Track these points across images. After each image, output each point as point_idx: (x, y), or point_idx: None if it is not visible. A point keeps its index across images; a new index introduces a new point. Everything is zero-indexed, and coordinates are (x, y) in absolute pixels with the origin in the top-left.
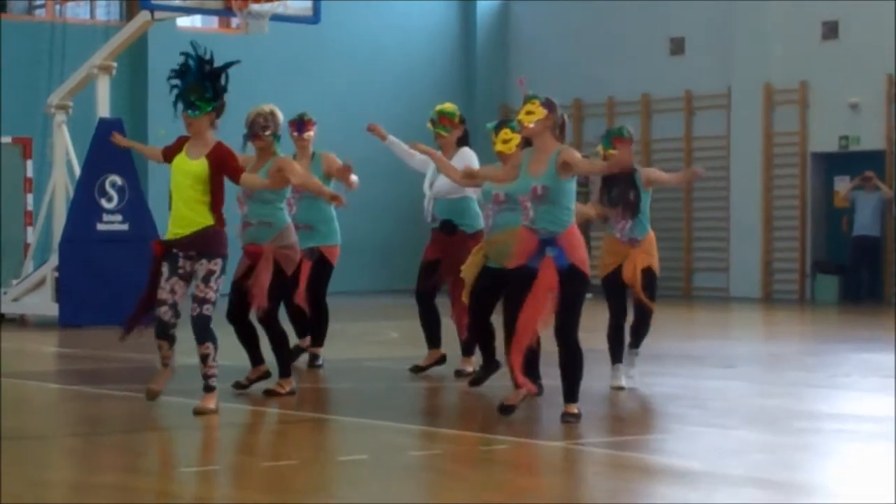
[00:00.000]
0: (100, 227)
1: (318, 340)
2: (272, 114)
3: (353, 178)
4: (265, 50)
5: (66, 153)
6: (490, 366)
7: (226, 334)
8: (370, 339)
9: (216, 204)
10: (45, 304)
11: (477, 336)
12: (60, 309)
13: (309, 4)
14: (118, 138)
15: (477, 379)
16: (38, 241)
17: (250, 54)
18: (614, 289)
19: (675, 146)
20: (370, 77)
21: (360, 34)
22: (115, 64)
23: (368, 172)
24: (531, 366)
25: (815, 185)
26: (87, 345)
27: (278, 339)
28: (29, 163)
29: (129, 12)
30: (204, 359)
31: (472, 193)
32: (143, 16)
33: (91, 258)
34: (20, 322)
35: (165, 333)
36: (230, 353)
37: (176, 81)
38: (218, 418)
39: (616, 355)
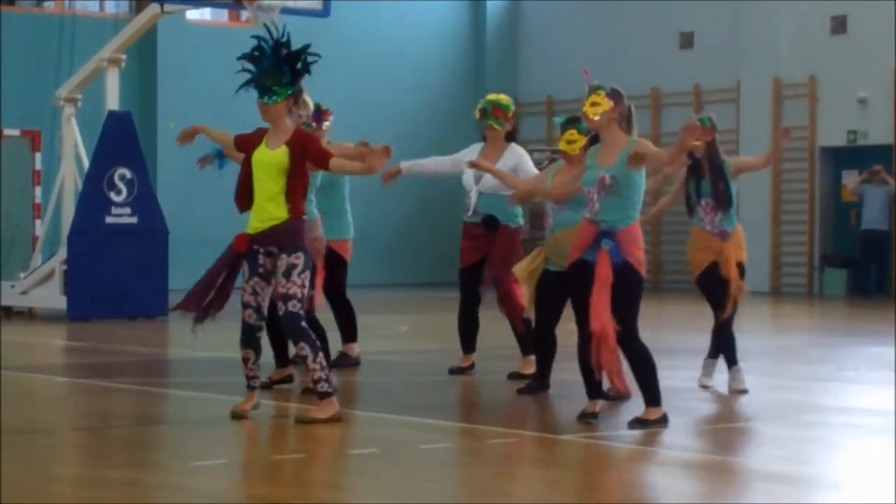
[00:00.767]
0: (108, 220)
1: (351, 338)
2: (303, 102)
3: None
4: None
5: (75, 146)
6: (543, 381)
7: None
8: (379, 332)
9: (294, 195)
10: (53, 297)
11: (538, 346)
12: (69, 302)
13: None
14: (185, 135)
15: (528, 389)
16: (46, 234)
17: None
18: (711, 286)
19: None
20: (379, 72)
21: (369, 29)
22: (124, 57)
23: None
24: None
25: (823, 180)
26: (96, 338)
27: (319, 335)
28: (38, 155)
29: (138, 5)
30: (303, 360)
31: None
32: (153, 8)
33: (99, 251)
34: (28, 315)
35: (251, 339)
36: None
37: (249, 66)
38: (226, 412)
39: (730, 357)
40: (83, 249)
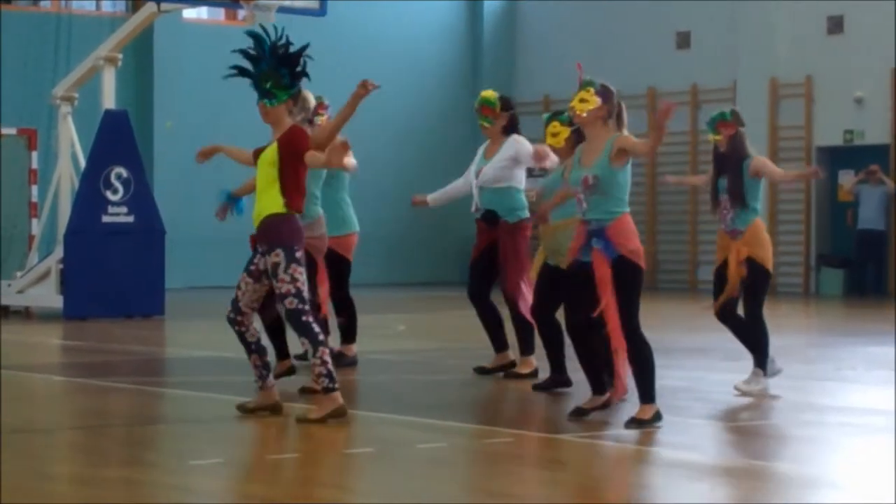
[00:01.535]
0: (105, 218)
1: (350, 338)
2: (303, 99)
3: (350, 160)
4: None
5: (72, 145)
6: (558, 378)
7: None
8: (378, 332)
9: (287, 191)
10: (49, 296)
11: (543, 341)
12: (65, 301)
13: None
14: (204, 153)
15: (543, 385)
16: (42, 233)
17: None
18: (719, 282)
19: (681, 139)
20: (377, 71)
21: (366, 28)
22: (120, 55)
23: (376, 166)
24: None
25: (819, 179)
26: (92, 337)
27: (273, 331)
28: (34, 154)
29: (134, 3)
30: (305, 355)
31: (519, 183)
32: (149, 7)
33: (96, 250)
34: (25, 314)
35: (235, 331)
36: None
37: (247, 64)
38: (223, 412)
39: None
40: (80, 248)
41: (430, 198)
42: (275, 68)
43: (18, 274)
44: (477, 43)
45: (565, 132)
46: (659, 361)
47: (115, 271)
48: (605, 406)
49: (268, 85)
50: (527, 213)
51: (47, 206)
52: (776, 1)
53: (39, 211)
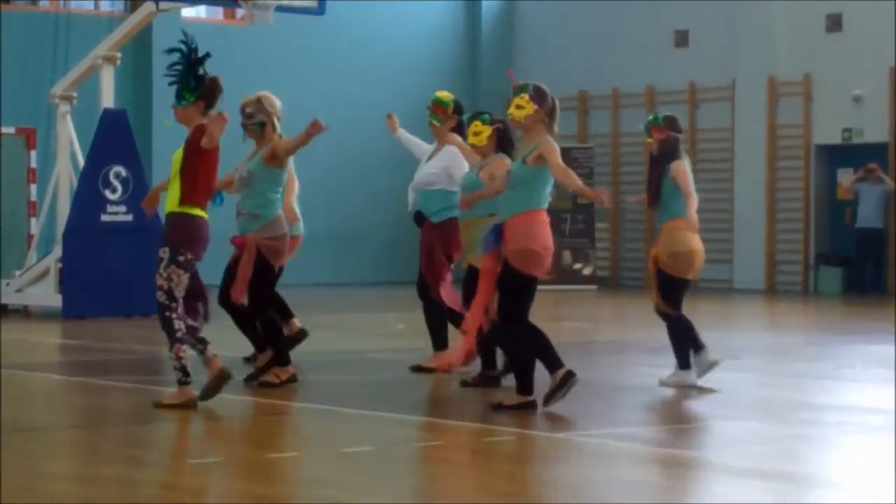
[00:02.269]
0: (104, 217)
1: (288, 315)
2: (258, 101)
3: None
4: (270, 41)
5: (70, 144)
6: (489, 375)
7: (225, 325)
8: (375, 330)
9: (184, 187)
10: (48, 295)
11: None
12: (64, 300)
13: None
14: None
15: (472, 383)
16: (41, 232)
17: (255, 45)
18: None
19: (682, 137)
20: (374, 69)
21: (365, 27)
22: (119, 54)
23: (374, 164)
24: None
25: (818, 178)
26: (91, 336)
27: (270, 329)
28: (33, 153)
29: (133, 3)
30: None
31: (451, 185)
32: (148, 6)
33: (95, 249)
34: (24, 313)
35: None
36: (229, 344)
37: (174, 70)
38: (223, 410)
39: (695, 344)
40: (78, 247)
41: (400, 131)
42: (186, 72)
43: (17, 273)
44: (475, 42)
45: (487, 131)
46: (654, 360)
47: (113, 270)
48: (528, 406)
49: (180, 87)
50: (454, 213)
51: (46, 205)
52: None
53: (38, 210)
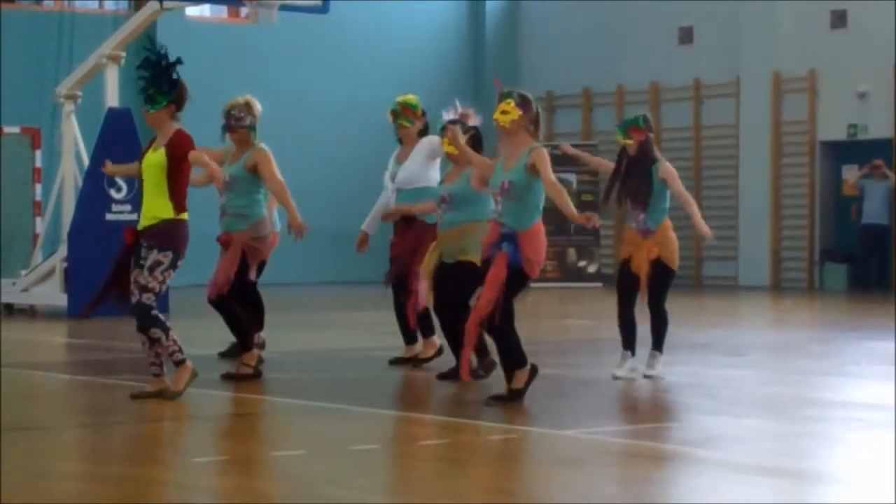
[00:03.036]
0: (109, 217)
1: (258, 326)
2: (247, 105)
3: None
4: (274, 40)
5: (75, 143)
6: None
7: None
8: (379, 328)
9: (175, 195)
10: (54, 295)
11: (448, 335)
12: (69, 299)
13: None
14: (109, 168)
15: (447, 375)
16: (46, 232)
17: (259, 44)
18: (624, 277)
19: (685, 135)
20: (378, 68)
21: (368, 26)
22: (123, 53)
23: (378, 165)
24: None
25: (823, 174)
26: (96, 335)
27: (232, 319)
28: (38, 153)
29: (137, 2)
30: (157, 343)
31: (433, 183)
32: (152, 5)
33: (100, 248)
34: (29, 312)
35: (144, 321)
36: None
37: (143, 74)
38: (228, 408)
39: (626, 342)
40: (83, 247)
41: (365, 227)
42: (157, 76)
43: (23, 272)
44: (479, 40)
45: (461, 139)
46: (663, 357)
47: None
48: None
49: (150, 91)
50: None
51: (51, 204)
52: None
53: (43, 209)
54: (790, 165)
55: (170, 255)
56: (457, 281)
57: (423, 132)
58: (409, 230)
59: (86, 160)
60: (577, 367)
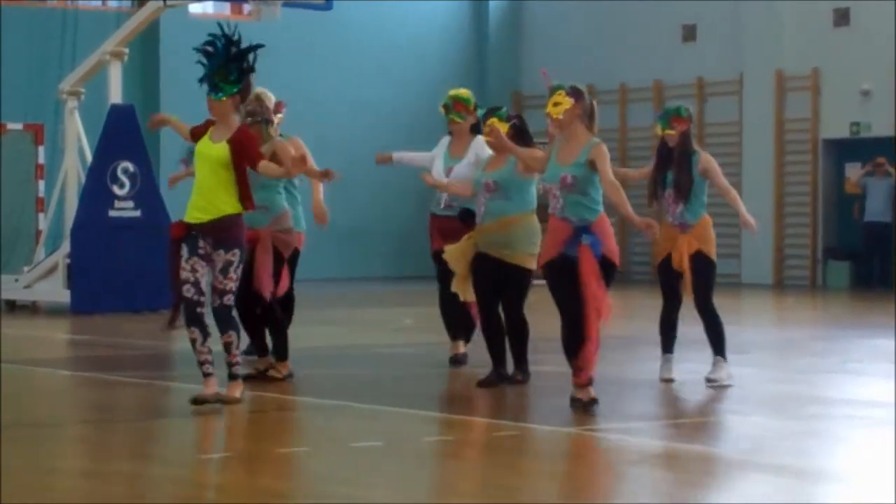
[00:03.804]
0: (112, 213)
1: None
2: (258, 98)
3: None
4: (277, 37)
5: (78, 140)
6: (499, 372)
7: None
8: (384, 325)
9: (242, 192)
10: (56, 291)
11: (486, 334)
12: (72, 296)
13: None
14: (154, 121)
15: (487, 381)
16: (49, 228)
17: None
18: (666, 276)
19: None
20: (382, 69)
21: (372, 24)
22: (126, 50)
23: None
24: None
25: (826, 172)
26: (99, 332)
27: (276, 322)
28: (41, 149)
29: None
30: (227, 347)
31: None
32: (155, 2)
33: (103, 245)
34: (32, 309)
35: (193, 314)
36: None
37: (203, 62)
38: (231, 406)
39: (666, 345)
40: (86, 243)
41: (396, 156)
42: (224, 64)
43: (26, 269)
44: (482, 37)
45: (503, 128)
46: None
47: (122, 266)
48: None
49: (216, 79)
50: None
51: (54, 200)
52: None
53: (46, 206)
54: (793, 163)
55: (237, 252)
56: (511, 287)
57: (475, 128)
58: (467, 228)
59: (89, 157)
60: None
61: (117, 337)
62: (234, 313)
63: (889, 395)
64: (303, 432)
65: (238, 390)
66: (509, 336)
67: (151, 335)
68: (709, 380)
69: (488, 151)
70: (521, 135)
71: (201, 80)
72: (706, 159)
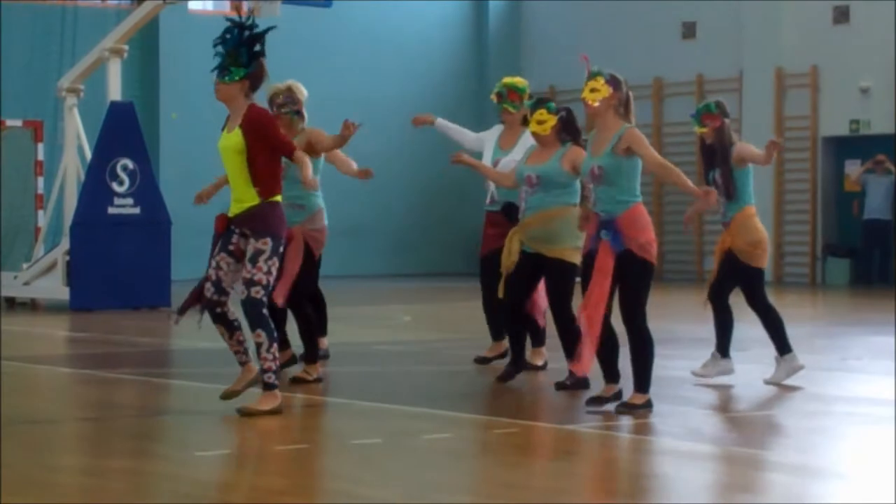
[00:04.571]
0: (111, 210)
1: (321, 331)
2: (289, 90)
3: (352, 165)
4: (276, 34)
5: (78, 137)
6: (518, 363)
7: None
8: (383, 322)
9: (260, 176)
10: (56, 288)
11: (509, 327)
12: (71, 293)
13: None
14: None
15: (506, 375)
16: (49, 225)
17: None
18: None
19: (687, 130)
20: (383, 67)
21: (372, 22)
22: (126, 47)
23: (383, 157)
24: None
25: (825, 169)
26: (99, 329)
27: (306, 324)
28: (40, 146)
29: None
30: (257, 348)
31: None
32: None
33: (102, 242)
34: (31, 306)
35: (214, 313)
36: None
37: (219, 48)
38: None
39: (718, 344)
40: (86, 240)
41: (438, 121)
42: (235, 47)
43: (25, 266)
44: (483, 35)
45: (552, 120)
46: (665, 351)
47: (121, 263)
48: (619, 396)
49: (226, 62)
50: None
51: (53, 197)
52: None
53: (45, 203)
54: (793, 161)
55: (269, 241)
56: (554, 282)
57: (526, 119)
58: (513, 224)
59: (88, 154)
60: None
61: (116, 334)
62: (265, 311)
63: (889, 392)
64: (302, 429)
65: (266, 402)
66: (561, 338)
67: (150, 332)
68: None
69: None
70: (567, 127)
71: (214, 69)
72: (738, 148)
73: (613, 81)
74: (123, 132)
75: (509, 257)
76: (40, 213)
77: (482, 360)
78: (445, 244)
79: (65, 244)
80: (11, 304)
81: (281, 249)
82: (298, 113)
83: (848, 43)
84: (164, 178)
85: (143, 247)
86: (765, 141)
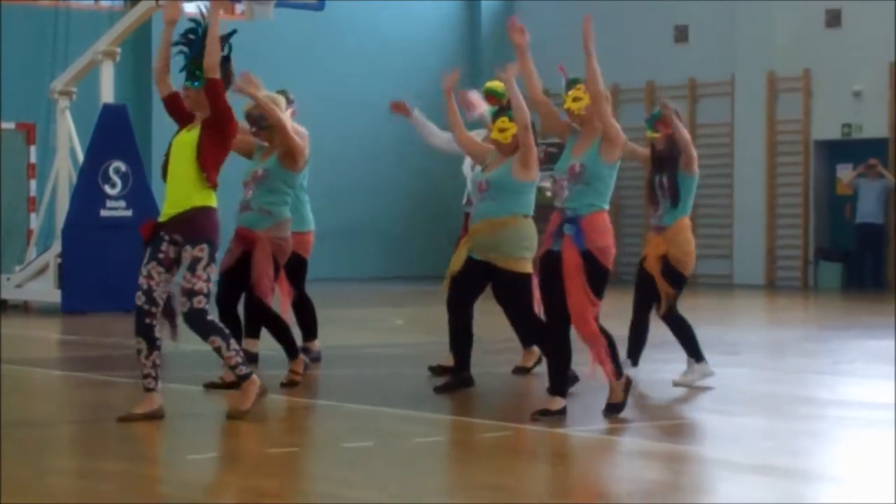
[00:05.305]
0: (103, 213)
1: (312, 335)
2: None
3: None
4: (269, 37)
5: (70, 139)
6: (462, 377)
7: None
8: (375, 325)
9: (209, 162)
10: (48, 291)
11: (452, 335)
12: (63, 295)
13: None
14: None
15: (445, 386)
16: (41, 228)
17: (254, 41)
18: (640, 280)
19: None
20: (374, 67)
21: (364, 24)
22: (119, 50)
23: (373, 158)
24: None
25: (818, 173)
26: (90, 331)
27: (276, 325)
28: (32, 149)
29: None
30: (217, 352)
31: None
32: (148, 1)
33: (94, 244)
34: (23, 308)
35: (142, 324)
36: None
37: (184, 50)
38: (220, 406)
39: (630, 349)
40: (78, 243)
41: (415, 114)
42: (201, 52)
43: (17, 268)
44: (475, 38)
45: (513, 128)
46: (657, 355)
47: (113, 265)
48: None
49: (192, 67)
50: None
51: (45, 200)
52: None
53: (38, 205)
54: (785, 164)
55: (205, 248)
56: (507, 293)
57: None
58: None
59: (80, 156)
60: (572, 366)
61: (108, 337)
62: (209, 317)
63: (881, 395)
64: (292, 432)
65: (249, 394)
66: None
67: None
68: (676, 383)
69: None
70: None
71: (182, 70)
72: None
73: None
74: (116, 135)
75: (456, 263)
76: (32, 215)
77: (521, 370)
78: (438, 247)
79: (57, 247)
80: (3, 306)
81: (215, 257)
82: (272, 127)
83: (840, 47)
84: (156, 180)
85: (135, 250)
86: (757, 144)
